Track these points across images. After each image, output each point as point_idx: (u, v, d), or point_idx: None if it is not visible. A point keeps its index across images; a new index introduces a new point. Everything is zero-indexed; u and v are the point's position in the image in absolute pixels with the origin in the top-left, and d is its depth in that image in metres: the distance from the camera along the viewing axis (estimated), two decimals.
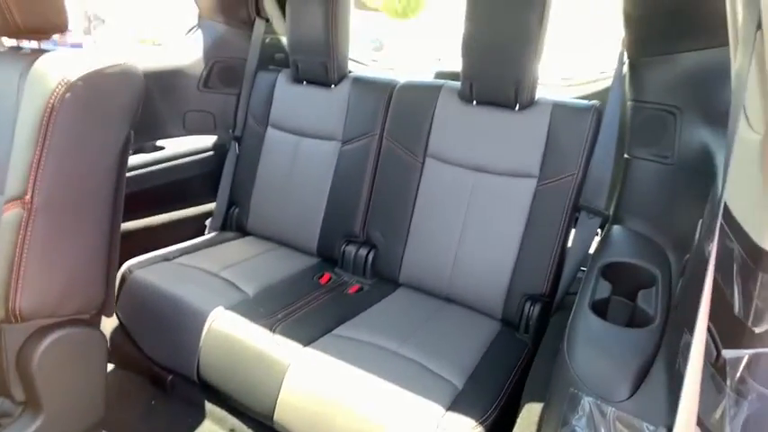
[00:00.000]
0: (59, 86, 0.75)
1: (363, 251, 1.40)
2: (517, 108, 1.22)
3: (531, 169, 1.20)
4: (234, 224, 1.63)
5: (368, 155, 1.40)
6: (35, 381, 0.78)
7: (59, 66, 0.78)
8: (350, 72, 1.52)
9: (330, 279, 1.39)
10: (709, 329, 0.44)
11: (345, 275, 1.41)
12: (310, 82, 1.52)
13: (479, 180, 1.26)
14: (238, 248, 1.51)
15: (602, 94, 1.32)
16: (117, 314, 1.25)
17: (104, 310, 0.89)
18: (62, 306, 0.81)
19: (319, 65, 1.46)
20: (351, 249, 1.41)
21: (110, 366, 1.25)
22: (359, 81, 1.46)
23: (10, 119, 0.81)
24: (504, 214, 1.23)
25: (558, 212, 1.17)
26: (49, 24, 0.88)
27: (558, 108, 1.19)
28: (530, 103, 1.21)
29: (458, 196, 1.27)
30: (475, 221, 1.26)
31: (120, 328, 1.26)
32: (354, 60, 1.75)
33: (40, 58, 0.81)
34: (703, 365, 0.43)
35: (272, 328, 1.08)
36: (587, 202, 1.15)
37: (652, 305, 0.78)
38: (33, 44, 0.95)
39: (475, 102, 1.26)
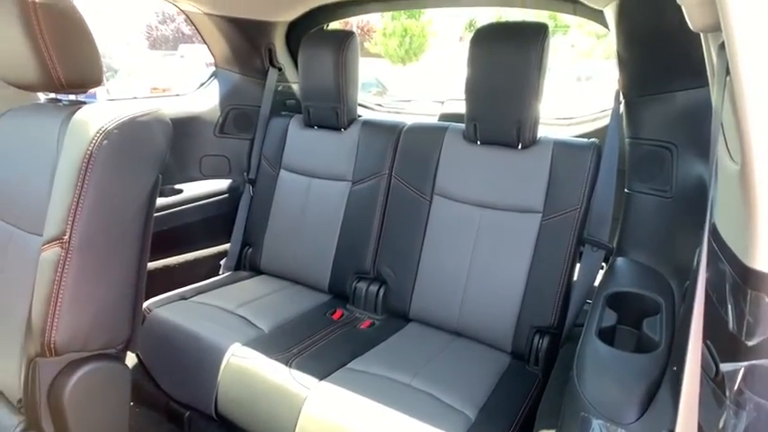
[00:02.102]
0: (97, 135, 0.82)
1: (374, 287, 1.43)
2: (520, 147, 1.27)
3: (536, 205, 1.25)
4: (248, 264, 1.68)
5: (377, 194, 1.46)
6: (66, 413, 0.81)
7: (97, 116, 0.85)
8: (359, 116, 1.61)
9: (342, 315, 1.42)
10: (708, 347, 0.46)
11: (357, 311, 1.44)
12: (321, 126, 1.60)
13: (486, 216, 1.30)
14: (253, 287, 1.55)
15: (600, 132, 1.39)
16: (135, 352, 1.27)
17: (130, 345, 0.92)
18: (92, 340, 0.85)
19: (330, 110, 1.54)
20: (362, 286, 1.45)
21: None
22: (368, 124, 1.54)
23: (49, 165, 0.87)
24: (510, 249, 1.26)
25: (564, 246, 1.21)
26: (87, 79, 0.96)
27: (559, 146, 1.25)
28: (532, 142, 1.27)
29: (465, 232, 1.32)
30: (482, 256, 1.29)
31: (139, 365, 1.28)
32: (363, 105, 1.84)
33: (81, 110, 0.88)
34: (704, 381, 0.46)
35: (287, 363, 1.11)
36: (591, 236, 1.19)
37: (657, 331, 0.81)
38: (70, 96, 1.03)
39: (479, 142, 1.33)
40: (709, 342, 0.47)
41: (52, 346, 0.80)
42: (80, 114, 0.87)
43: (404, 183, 1.41)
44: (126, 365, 0.93)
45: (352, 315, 1.42)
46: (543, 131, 1.30)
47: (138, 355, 1.28)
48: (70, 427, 0.81)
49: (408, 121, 1.51)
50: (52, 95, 1.02)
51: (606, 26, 1.23)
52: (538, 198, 1.24)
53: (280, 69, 1.80)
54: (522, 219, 1.26)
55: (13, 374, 0.87)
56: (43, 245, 0.82)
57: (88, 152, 0.81)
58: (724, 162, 0.47)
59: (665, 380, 0.69)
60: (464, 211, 1.33)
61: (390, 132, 1.47)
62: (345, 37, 1.49)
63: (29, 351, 0.83)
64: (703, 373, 0.47)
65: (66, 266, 0.80)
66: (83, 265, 0.82)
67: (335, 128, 1.57)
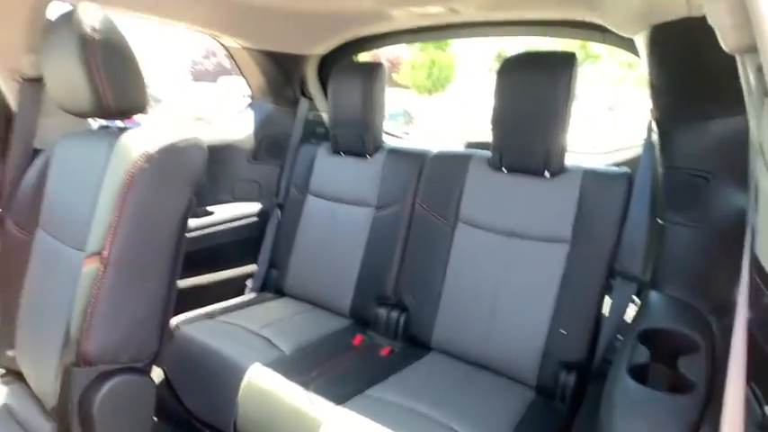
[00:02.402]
0: (139, 158, 0.87)
1: (395, 314, 1.42)
2: (547, 175, 1.27)
3: (564, 235, 1.22)
4: (273, 285, 1.71)
5: (400, 220, 1.47)
6: (95, 423, 0.83)
7: (140, 140, 0.91)
8: (385, 144, 1.65)
9: (363, 341, 1.41)
10: (752, 389, 0.44)
11: (377, 338, 1.43)
12: (348, 153, 1.65)
13: (511, 245, 1.29)
14: (277, 308, 1.57)
15: (632, 162, 1.37)
16: (162, 367, 1.31)
17: (157, 359, 0.96)
18: (123, 353, 0.88)
19: (357, 137, 1.59)
20: (383, 312, 1.44)
21: None
22: (393, 151, 1.57)
23: (95, 185, 0.93)
24: (537, 279, 1.24)
25: (593, 278, 1.18)
26: (133, 107, 1.03)
27: (589, 175, 1.23)
28: (559, 170, 1.26)
29: (490, 261, 1.30)
30: (508, 286, 1.27)
31: (164, 381, 1.31)
32: (388, 133, 1.89)
33: (125, 134, 0.95)
34: (749, 426, 0.43)
35: (306, 386, 1.11)
36: (622, 268, 1.14)
37: (694, 371, 0.76)
38: (119, 123, 1.11)
39: (505, 170, 1.32)
40: (753, 384, 0.44)
41: (86, 356, 0.84)
42: (125, 138, 0.93)
43: (428, 210, 1.42)
44: (152, 379, 0.95)
45: (372, 341, 1.42)
46: (573, 160, 1.28)
47: (164, 371, 1.31)
48: None
49: (433, 148, 1.53)
50: (102, 122, 1.10)
51: (637, 54, 1.24)
52: (566, 228, 1.22)
53: (310, 99, 1.88)
54: (549, 249, 1.24)
55: (50, 382, 0.91)
56: (84, 259, 0.87)
57: (130, 174, 0.87)
58: (765, 189, 0.45)
59: (704, 425, 0.65)
60: (489, 239, 1.32)
61: (415, 159, 1.50)
62: (373, 68, 1.55)
63: (65, 360, 0.86)
64: (747, 417, 0.44)
65: (103, 281, 0.84)
66: (118, 280, 0.86)
67: (362, 155, 1.61)
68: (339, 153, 1.67)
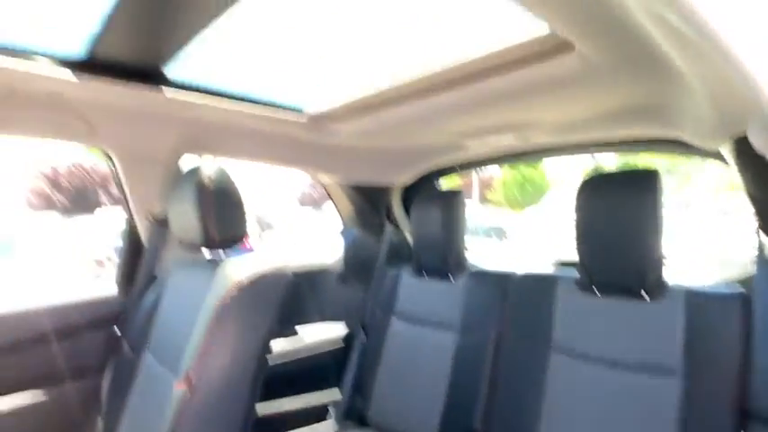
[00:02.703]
0: (232, 287, 0.98)
1: None
2: (645, 298, 1.15)
3: (673, 367, 1.06)
4: (356, 413, 1.65)
5: (486, 346, 1.39)
6: None
7: (234, 270, 1.02)
8: (469, 265, 1.64)
9: None
10: None
11: None
12: (432, 275, 1.66)
13: (613, 378, 1.13)
14: None
15: (745, 279, 1.19)
16: None
17: None
18: None
19: (439, 260, 1.61)
20: None
21: None
22: (477, 274, 1.55)
23: (195, 311, 1.04)
24: (647, 420, 1.05)
25: (719, 418, 0.97)
26: (233, 237, 1.18)
27: (695, 296, 1.09)
28: (659, 291, 1.14)
29: (589, 396, 1.15)
30: (613, 426, 1.10)
31: None
32: (472, 253, 1.89)
33: (225, 264, 1.08)
34: None
35: None
36: (759, 405, 0.94)
37: None
38: (221, 253, 1.27)
39: (597, 292, 1.22)
40: None
41: None
42: (224, 268, 1.06)
43: (516, 337, 1.34)
44: None
45: None
46: (675, 277, 1.16)
47: None
48: None
49: (520, 270, 1.49)
50: (206, 252, 1.27)
51: (726, 163, 1.15)
52: (674, 359, 1.06)
53: (395, 225, 1.99)
54: (657, 383, 1.06)
55: None
56: (175, 382, 0.94)
57: (222, 301, 0.97)
58: None
59: None
60: (586, 370, 1.17)
61: (500, 283, 1.46)
62: (453, 196, 1.63)
63: None
64: None
65: (188, 405, 0.90)
66: (201, 405, 0.91)
67: (445, 277, 1.61)
68: (423, 275, 1.69)
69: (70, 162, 18.13)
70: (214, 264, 1.14)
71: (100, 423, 1.32)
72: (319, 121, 1.47)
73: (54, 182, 17.76)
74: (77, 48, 1.04)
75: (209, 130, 1.40)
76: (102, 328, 1.42)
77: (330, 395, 1.78)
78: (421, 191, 1.91)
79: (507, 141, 1.50)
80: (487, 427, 1.32)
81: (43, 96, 1.09)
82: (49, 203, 17.40)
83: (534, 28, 0.86)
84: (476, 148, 1.64)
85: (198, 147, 1.44)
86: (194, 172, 1.13)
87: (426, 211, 1.66)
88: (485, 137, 1.49)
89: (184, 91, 1.23)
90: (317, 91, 1.40)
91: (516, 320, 1.36)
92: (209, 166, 1.14)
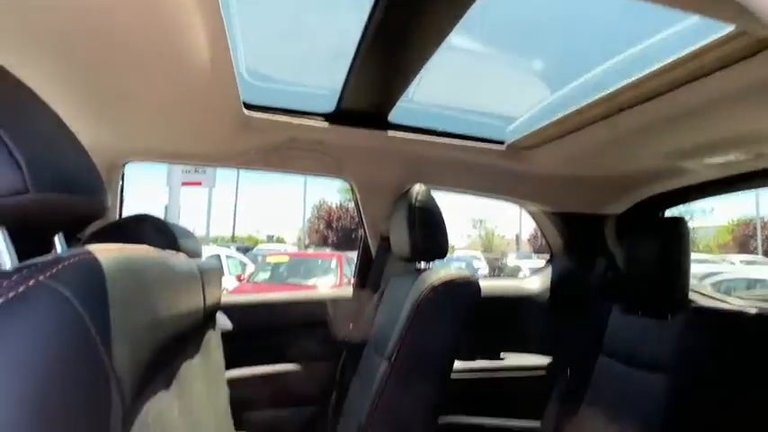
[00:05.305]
0: (428, 288, 1.16)
1: None
2: None
3: None
4: None
5: (706, 392, 1.18)
6: None
7: (431, 276, 1.21)
8: (690, 302, 1.41)
9: None
10: None
11: None
12: (645, 312, 1.48)
13: None
14: None
15: None
16: None
17: None
18: None
19: (656, 295, 1.43)
20: None
21: None
22: (700, 312, 1.33)
23: (400, 309, 1.27)
24: None
25: None
26: (436, 251, 1.37)
27: None
28: None
29: None
30: None
31: None
32: (696, 291, 1.59)
33: (425, 272, 1.28)
34: None
35: None
36: None
37: None
38: (422, 264, 1.48)
39: None
40: None
41: None
42: (423, 274, 1.26)
43: (745, 384, 1.09)
44: None
45: None
46: None
47: None
48: None
49: (752, 307, 1.20)
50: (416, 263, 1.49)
51: None
52: None
53: (608, 256, 1.85)
54: None
55: None
56: (382, 364, 1.17)
57: (419, 300, 1.16)
58: None
59: None
60: None
61: (727, 321, 1.21)
62: (674, 225, 1.43)
63: None
64: None
65: (389, 379, 1.11)
66: (398, 379, 1.11)
67: (660, 314, 1.42)
68: (636, 312, 1.52)
69: (336, 204, 22.49)
70: (419, 272, 1.36)
71: (333, 395, 1.69)
72: (516, 150, 1.57)
73: (328, 223, 22.34)
74: (331, 104, 1.44)
75: (427, 164, 1.67)
76: (340, 323, 1.81)
77: (528, 424, 1.75)
78: (639, 219, 1.73)
79: (735, 158, 1.26)
80: None
81: (311, 141, 1.55)
82: (324, 240, 21.94)
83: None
84: (700, 171, 1.42)
85: (419, 178, 1.72)
86: (405, 196, 1.39)
87: (642, 242, 1.51)
88: (705, 156, 1.30)
89: (404, 132, 1.53)
90: (514, 121, 1.51)
91: (747, 364, 1.11)
92: (417, 190, 1.38)
